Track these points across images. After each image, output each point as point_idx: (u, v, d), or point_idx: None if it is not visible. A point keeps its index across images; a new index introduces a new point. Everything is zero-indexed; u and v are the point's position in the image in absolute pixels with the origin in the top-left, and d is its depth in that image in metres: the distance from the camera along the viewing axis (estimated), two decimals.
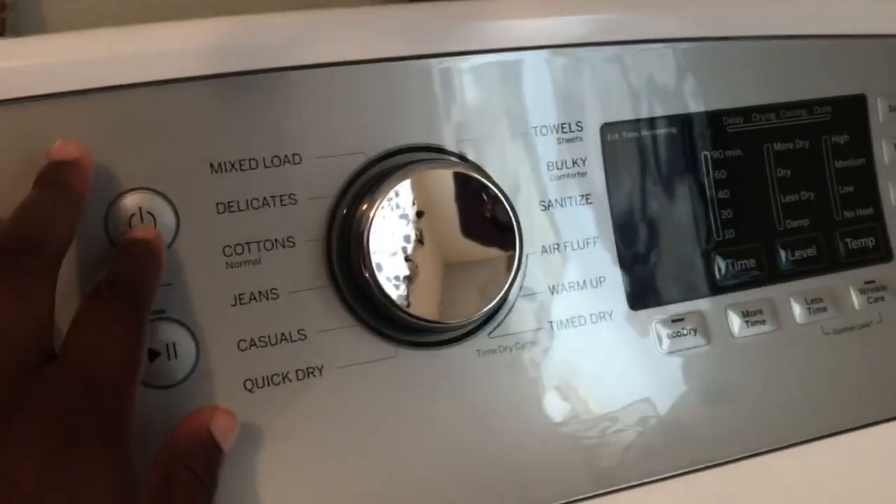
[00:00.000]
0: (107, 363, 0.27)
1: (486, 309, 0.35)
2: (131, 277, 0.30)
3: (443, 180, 0.34)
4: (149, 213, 0.33)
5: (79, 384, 0.27)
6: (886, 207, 0.44)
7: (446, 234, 0.34)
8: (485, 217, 0.35)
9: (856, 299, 0.43)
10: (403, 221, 0.33)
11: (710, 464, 0.39)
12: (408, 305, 0.33)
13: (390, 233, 0.33)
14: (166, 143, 0.34)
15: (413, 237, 0.33)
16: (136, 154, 0.33)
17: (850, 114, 0.44)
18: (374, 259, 0.33)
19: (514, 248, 0.35)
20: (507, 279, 0.35)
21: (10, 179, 0.32)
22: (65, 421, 0.26)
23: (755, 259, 0.42)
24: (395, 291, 0.33)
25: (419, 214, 0.33)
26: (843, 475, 0.41)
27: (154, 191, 0.33)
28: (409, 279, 0.33)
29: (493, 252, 0.35)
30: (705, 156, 0.41)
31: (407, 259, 0.33)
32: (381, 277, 0.33)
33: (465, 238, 0.34)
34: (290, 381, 0.34)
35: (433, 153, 0.36)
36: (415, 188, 0.34)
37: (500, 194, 0.35)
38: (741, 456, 0.40)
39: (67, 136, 0.32)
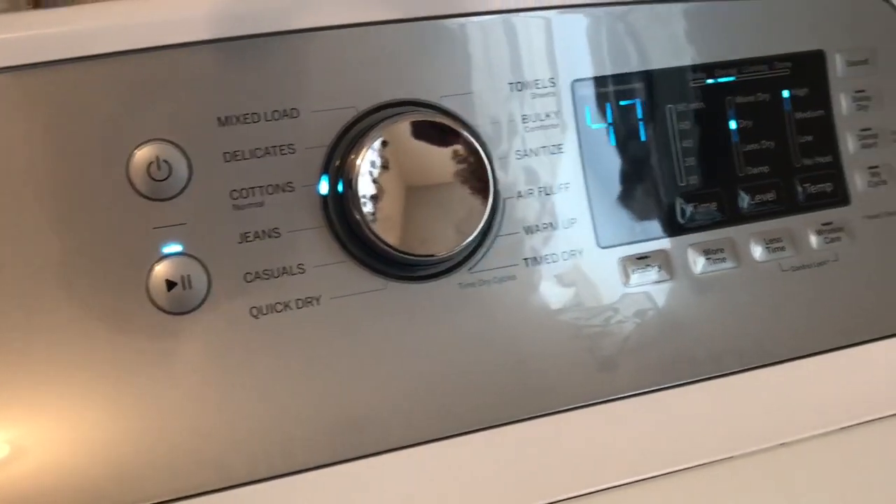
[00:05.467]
0: None
1: (463, 244, 0.39)
2: None
3: (419, 129, 0.38)
4: (164, 161, 0.38)
5: None
6: (844, 155, 0.48)
7: (415, 169, 0.38)
8: (459, 164, 0.39)
9: (813, 239, 0.47)
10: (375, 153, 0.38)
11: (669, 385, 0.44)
12: (391, 241, 0.38)
13: (370, 165, 0.38)
14: (179, 100, 0.38)
15: (379, 163, 0.38)
16: (152, 110, 0.38)
17: (809, 69, 0.47)
18: (363, 201, 0.38)
19: (487, 191, 0.39)
20: (482, 218, 0.39)
21: (39, 135, 0.37)
22: None
23: (716, 202, 0.45)
24: (383, 232, 0.38)
25: (383, 143, 0.38)
26: (793, 397, 0.45)
27: (169, 142, 0.38)
28: (375, 198, 0.38)
29: (468, 192, 0.39)
30: (669, 109, 0.45)
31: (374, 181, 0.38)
32: (369, 218, 0.38)
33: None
34: (291, 309, 0.39)
35: (416, 106, 0.41)
36: (393, 136, 0.38)
37: (476, 143, 0.39)
38: (698, 378, 0.44)
39: (94, 93, 0.37)
